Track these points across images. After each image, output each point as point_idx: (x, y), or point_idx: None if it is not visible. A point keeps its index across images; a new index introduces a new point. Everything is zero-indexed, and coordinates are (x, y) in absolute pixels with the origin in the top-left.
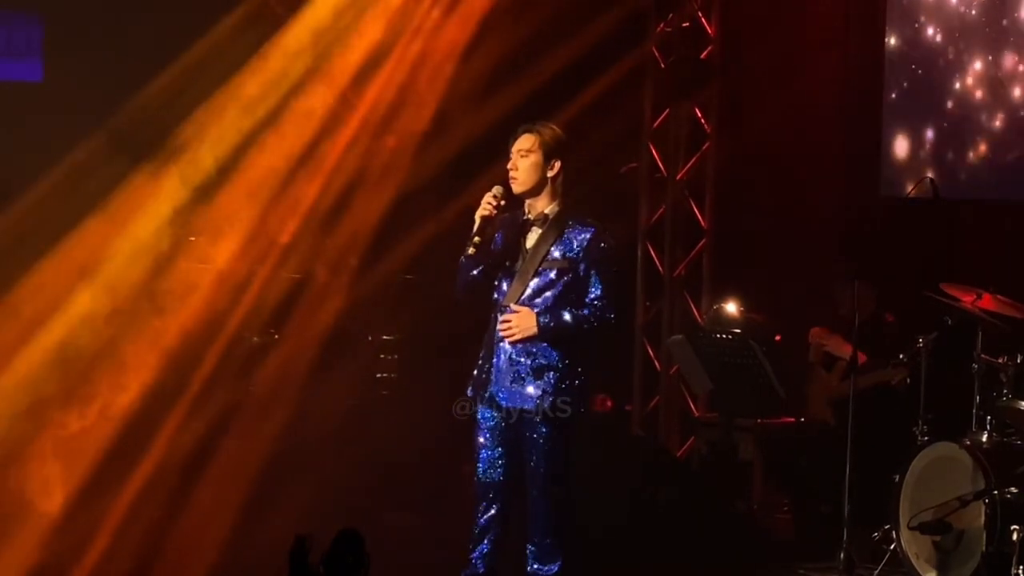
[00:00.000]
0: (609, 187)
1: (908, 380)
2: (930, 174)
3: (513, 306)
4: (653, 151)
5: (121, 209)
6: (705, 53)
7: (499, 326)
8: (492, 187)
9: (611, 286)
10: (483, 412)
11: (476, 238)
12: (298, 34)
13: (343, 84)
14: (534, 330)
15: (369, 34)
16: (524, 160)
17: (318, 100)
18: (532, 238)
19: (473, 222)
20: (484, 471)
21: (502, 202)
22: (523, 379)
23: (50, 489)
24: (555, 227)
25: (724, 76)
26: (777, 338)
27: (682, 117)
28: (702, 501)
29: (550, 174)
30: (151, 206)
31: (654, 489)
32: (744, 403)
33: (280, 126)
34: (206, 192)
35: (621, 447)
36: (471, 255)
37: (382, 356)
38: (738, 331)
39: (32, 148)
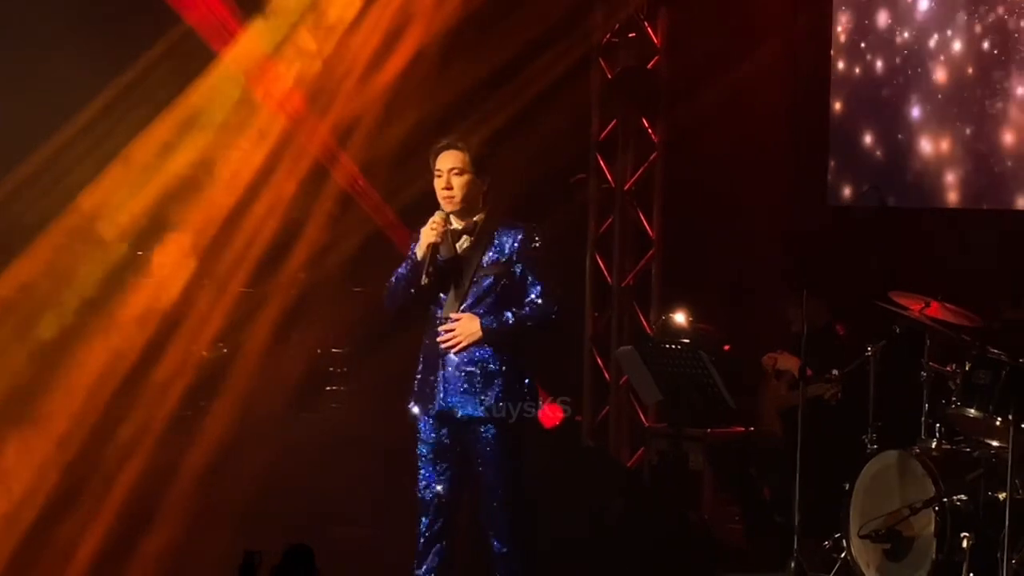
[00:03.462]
0: (557, 198)
1: (839, 395)
2: (876, 183)
3: (453, 315)
4: (600, 162)
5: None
6: (652, 64)
7: (441, 338)
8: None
9: (548, 283)
10: (425, 424)
11: (430, 267)
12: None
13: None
14: (479, 334)
15: (312, 45)
16: (459, 179)
17: (268, 114)
18: (463, 247)
19: (411, 247)
20: (427, 485)
21: (447, 226)
22: (475, 388)
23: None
24: (485, 234)
25: (670, 86)
26: (726, 348)
27: (629, 128)
28: (653, 511)
29: (484, 189)
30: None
31: (605, 499)
32: (693, 413)
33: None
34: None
35: (571, 458)
36: (425, 284)
37: (331, 369)
38: (687, 341)
39: None
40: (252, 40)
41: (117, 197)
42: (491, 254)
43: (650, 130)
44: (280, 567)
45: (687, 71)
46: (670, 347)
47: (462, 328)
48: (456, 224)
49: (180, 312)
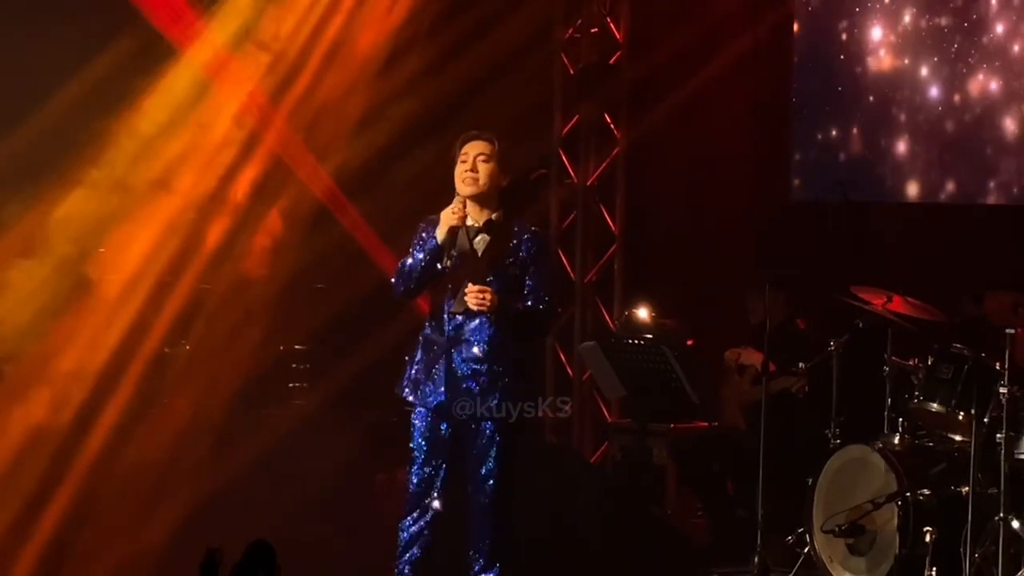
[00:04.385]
0: (520, 194)
1: (806, 388)
2: (839, 178)
3: (470, 287)
4: (563, 157)
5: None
6: (614, 59)
7: (472, 300)
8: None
9: (552, 287)
10: (422, 417)
11: (452, 251)
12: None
13: (252, 93)
14: (497, 300)
15: (278, 35)
16: (485, 165)
17: (228, 105)
18: (480, 244)
19: (419, 232)
20: (420, 480)
21: (466, 213)
22: (480, 386)
23: None
24: (503, 233)
25: (633, 81)
26: (689, 343)
27: (591, 123)
28: (616, 507)
29: (502, 184)
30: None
31: (568, 495)
32: (657, 408)
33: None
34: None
35: (534, 454)
36: (446, 267)
37: (294, 366)
38: (650, 336)
39: None
40: (212, 35)
41: (76, 196)
42: (507, 255)
43: (612, 126)
44: (242, 564)
45: (650, 67)
46: (633, 342)
47: (486, 293)
48: (472, 220)
49: (141, 308)
